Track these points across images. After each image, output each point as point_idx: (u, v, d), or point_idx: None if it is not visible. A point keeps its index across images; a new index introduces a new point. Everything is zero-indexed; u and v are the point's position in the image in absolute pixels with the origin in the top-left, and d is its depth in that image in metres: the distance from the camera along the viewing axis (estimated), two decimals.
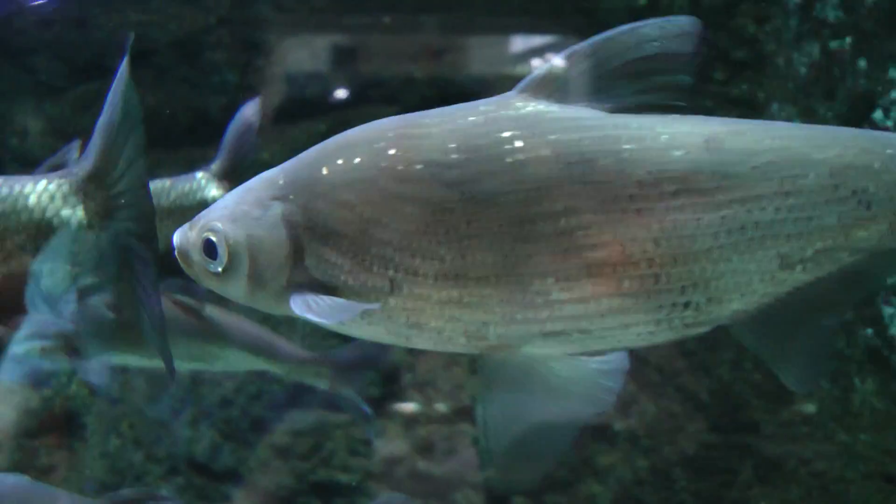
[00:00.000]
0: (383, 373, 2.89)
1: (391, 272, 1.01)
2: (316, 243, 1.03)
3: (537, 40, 2.79)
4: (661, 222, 0.98)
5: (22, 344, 2.55)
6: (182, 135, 2.90)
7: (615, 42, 1.03)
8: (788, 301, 1.05)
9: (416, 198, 1.00)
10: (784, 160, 1.00)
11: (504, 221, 0.98)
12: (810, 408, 2.51)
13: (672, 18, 1.00)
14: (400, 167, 1.01)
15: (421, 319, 1.03)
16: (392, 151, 1.01)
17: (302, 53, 2.93)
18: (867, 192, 1.01)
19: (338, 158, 1.04)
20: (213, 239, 1.07)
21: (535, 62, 2.79)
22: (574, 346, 1.03)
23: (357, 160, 1.02)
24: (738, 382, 2.58)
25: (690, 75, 1.00)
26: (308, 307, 1.01)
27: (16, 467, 3.15)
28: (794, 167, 1.00)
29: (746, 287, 1.03)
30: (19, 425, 3.09)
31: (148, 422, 3.07)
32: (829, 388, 2.51)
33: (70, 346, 2.62)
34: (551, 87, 1.02)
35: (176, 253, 1.12)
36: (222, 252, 1.06)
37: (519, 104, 1.02)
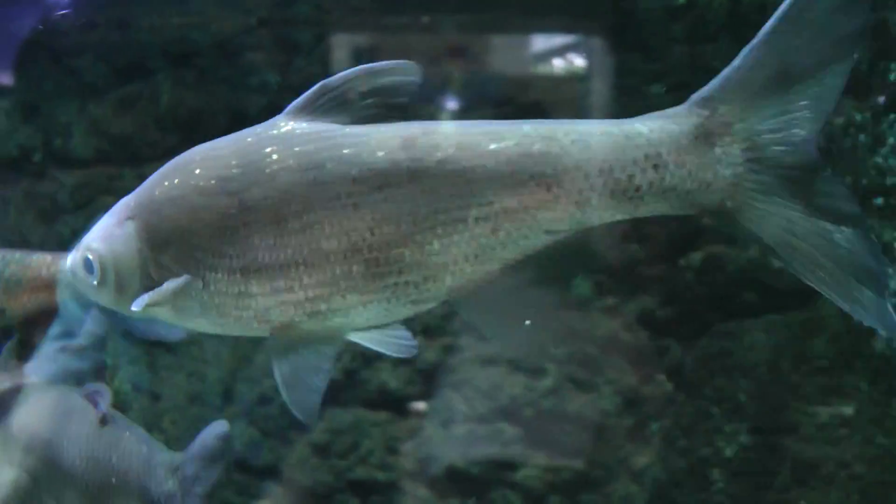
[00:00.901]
0: (420, 372, 2.91)
1: (202, 272, 1.24)
2: (154, 253, 1.27)
3: (572, 39, 2.80)
4: (373, 213, 1.18)
5: (54, 343, 2.59)
6: (222, 135, 2.93)
7: (353, 74, 1.23)
8: (500, 278, 1.21)
9: (210, 207, 1.23)
10: (463, 153, 1.18)
11: (267, 222, 1.21)
12: (849, 410, 2.49)
13: (398, 62, 1.23)
14: (201, 183, 1.24)
15: (225, 310, 1.25)
16: (197, 171, 1.25)
17: (341, 53, 2.95)
18: (545, 176, 1.16)
19: (165, 180, 1.28)
20: (90, 257, 1.31)
21: (574, 60, 2.80)
22: (332, 322, 1.24)
23: (176, 180, 1.26)
24: (776, 383, 2.57)
25: (412, 98, 1.23)
26: (140, 301, 1.27)
27: None
28: (473, 158, 1.17)
29: (455, 266, 1.20)
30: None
31: (188, 418, 3.10)
32: (868, 390, 2.49)
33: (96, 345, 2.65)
34: (307, 110, 1.23)
35: (69, 272, 1.36)
36: (96, 267, 1.30)
37: (281, 124, 1.24)
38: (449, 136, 1.19)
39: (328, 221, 1.19)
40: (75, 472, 1.85)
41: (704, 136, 1.16)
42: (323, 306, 1.22)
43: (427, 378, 2.93)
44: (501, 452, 2.81)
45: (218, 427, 1.97)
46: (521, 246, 1.19)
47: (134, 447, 1.95)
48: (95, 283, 1.31)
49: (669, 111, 1.19)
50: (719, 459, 2.62)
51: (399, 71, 1.22)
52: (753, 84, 1.14)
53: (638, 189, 1.17)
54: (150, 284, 1.28)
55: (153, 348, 3.18)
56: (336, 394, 2.97)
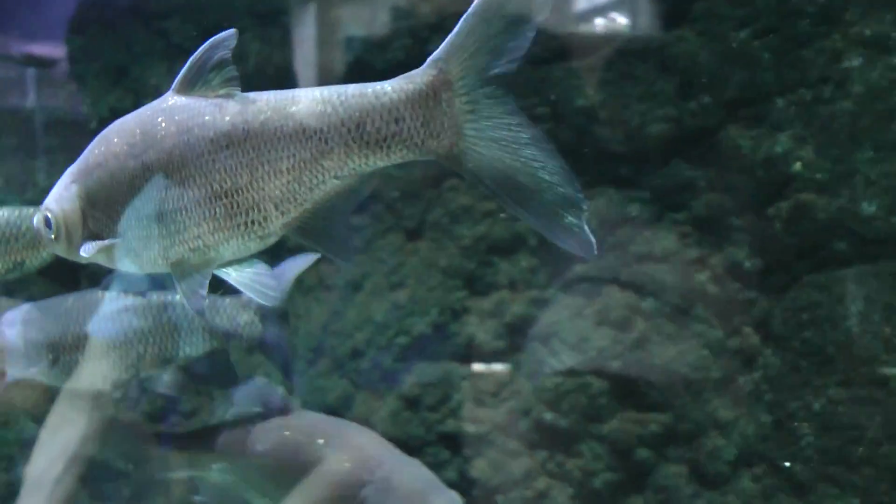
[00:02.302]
0: (508, 325, 2.94)
1: (122, 222, 1.52)
2: (89, 209, 1.54)
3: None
4: (224, 166, 1.44)
5: (115, 302, 2.69)
6: None
7: (198, 52, 1.48)
8: (315, 211, 1.47)
9: (122, 169, 1.50)
10: (275, 115, 1.43)
11: (160, 178, 1.48)
12: None
13: (219, 36, 1.46)
14: (116, 149, 1.51)
15: (144, 253, 1.53)
16: (114, 139, 1.52)
17: (427, 7, 2.96)
18: (323, 132, 1.41)
19: (94, 148, 1.54)
20: (48, 215, 1.58)
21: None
22: (209, 256, 1.51)
23: (101, 148, 1.53)
24: (867, 336, 2.53)
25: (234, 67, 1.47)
26: (85, 248, 1.54)
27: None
28: (280, 120, 1.43)
29: (282, 207, 1.46)
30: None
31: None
32: None
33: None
34: (181, 85, 1.49)
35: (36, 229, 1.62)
36: (52, 223, 1.57)
37: (168, 97, 1.50)
38: (269, 101, 1.45)
39: (197, 174, 1.47)
40: None
41: (433, 93, 1.38)
42: (200, 243, 1.50)
43: (515, 332, 2.95)
44: (589, 405, 2.83)
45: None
46: (322, 190, 1.46)
47: None
48: (53, 237, 1.59)
49: (411, 72, 1.39)
50: (808, 413, 2.60)
51: (221, 43, 1.47)
52: (468, 47, 1.33)
53: (385, 139, 1.40)
54: (89, 236, 1.56)
55: None
56: (425, 348, 3.01)
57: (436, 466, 2.97)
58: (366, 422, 3.05)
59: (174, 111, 1.49)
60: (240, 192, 1.47)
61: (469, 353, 2.98)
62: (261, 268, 1.56)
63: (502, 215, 2.95)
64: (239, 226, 1.49)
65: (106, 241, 1.54)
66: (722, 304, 2.72)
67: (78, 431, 2.64)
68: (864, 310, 2.53)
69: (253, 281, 1.55)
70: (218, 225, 1.49)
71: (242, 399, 2.35)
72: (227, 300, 2.33)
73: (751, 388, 2.69)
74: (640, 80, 2.81)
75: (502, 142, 1.37)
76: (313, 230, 1.50)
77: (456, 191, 3.03)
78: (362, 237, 3.14)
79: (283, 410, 2.26)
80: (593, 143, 2.85)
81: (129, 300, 2.29)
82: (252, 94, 1.48)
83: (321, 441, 2.15)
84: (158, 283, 2.21)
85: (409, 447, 2.96)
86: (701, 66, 2.72)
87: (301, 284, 3.21)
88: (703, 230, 2.76)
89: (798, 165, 2.61)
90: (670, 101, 2.77)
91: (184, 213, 1.50)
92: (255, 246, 1.52)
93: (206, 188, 1.47)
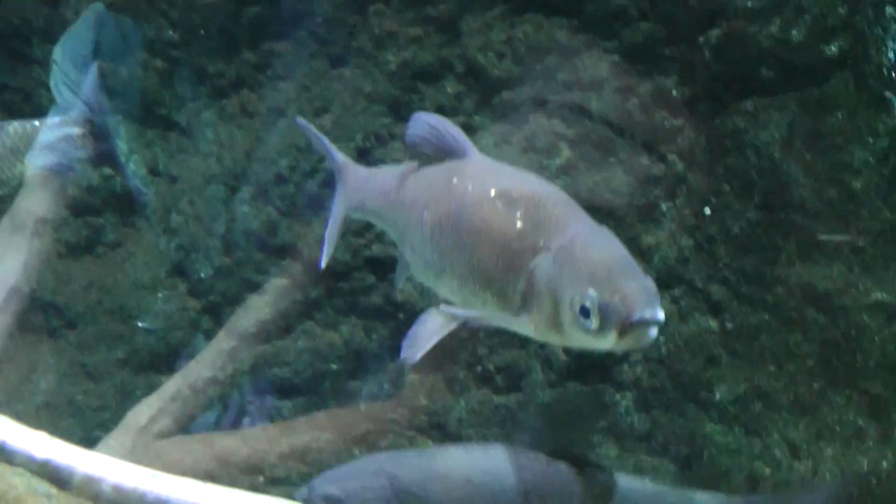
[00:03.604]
0: None
1: None
2: None
3: None
4: None
5: (52, 131, 2.65)
6: None
7: None
8: None
9: None
10: None
11: None
12: (857, 185, 2.51)
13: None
14: None
15: None
16: None
17: None
18: None
19: None
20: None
21: None
22: None
23: None
24: (788, 161, 2.59)
25: None
26: None
27: (85, 243, 3.29)
28: None
29: None
30: (78, 203, 3.20)
31: (206, 199, 3.16)
32: (878, 166, 2.52)
33: (95, 132, 2.74)
34: None
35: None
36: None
37: None
38: None
39: None
40: None
41: None
42: None
43: None
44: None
45: None
46: None
47: None
48: None
49: None
50: (727, 236, 2.67)
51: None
52: None
53: None
54: None
55: (168, 132, 3.20)
56: None
57: (363, 290, 3.01)
58: (292, 248, 3.06)
59: None
60: None
61: None
62: None
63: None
64: None
65: None
66: (648, 132, 2.74)
67: (17, 264, 2.59)
68: (787, 136, 2.58)
69: None
70: None
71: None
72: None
73: (672, 214, 2.75)
74: None
75: None
76: None
77: (381, 16, 2.97)
78: (285, 63, 3.08)
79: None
80: None
81: None
82: None
83: (492, 192, 1.72)
84: None
85: (337, 272, 3.00)
86: None
87: (223, 112, 3.16)
88: (633, 59, 2.76)
89: None
90: None
91: None
92: None
93: None
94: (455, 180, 1.80)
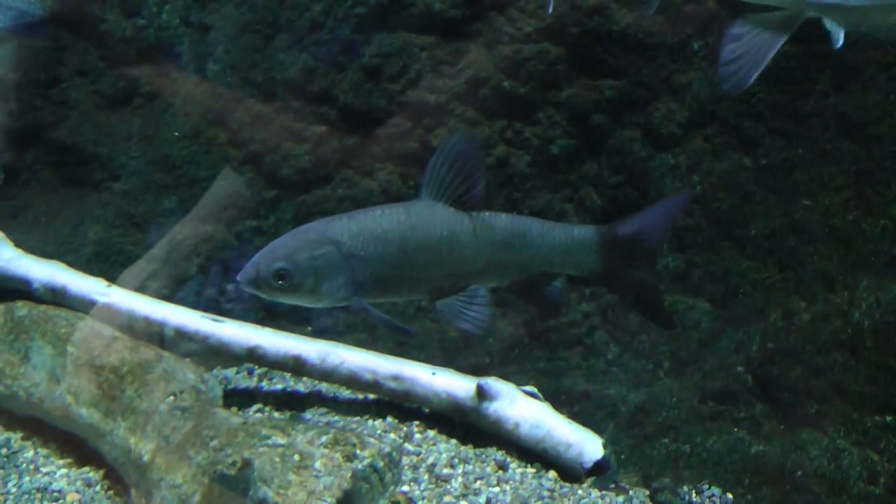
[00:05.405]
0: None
1: None
2: None
3: None
4: None
5: None
6: None
7: None
8: None
9: None
10: None
11: None
12: None
13: None
14: None
15: None
16: None
17: None
18: None
19: None
20: None
21: None
22: None
23: None
24: None
25: None
26: None
27: (122, 94, 3.32)
28: None
29: None
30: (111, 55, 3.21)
31: (241, 46, 3.16)
32: None
33: None
34: None
35: None
36: None
37: None
38: None
39: None
40: None
41: None
42: None
43: (472, 0, 2.93)
44: (547, 72, 2.86)
45: None
46: None
47: None
48: None
49: None
50: (762, 73, 2.64)
51: None
52: None
53: None
54: None
55: None
56: (383, 18, 2.99)
57: (399, 136, 3.04)
58: (328, 94, 3.08)
59: None
60: None
61: (427, 22, 2.97)
62: None
63: None
64: None
65: None
66: None
67: None
68: None
69: None
70: None
71: None
72: None
73: (706, 52, 2.73)
74: None
75: None
76: None
77: None
78: None
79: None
80: None
81: None
82: None
83: None
84: None
85: (372, 118, 3.02)
86: None
87: None
88: None
89: None
90: None
91: None
92: None
93: None
94: None
